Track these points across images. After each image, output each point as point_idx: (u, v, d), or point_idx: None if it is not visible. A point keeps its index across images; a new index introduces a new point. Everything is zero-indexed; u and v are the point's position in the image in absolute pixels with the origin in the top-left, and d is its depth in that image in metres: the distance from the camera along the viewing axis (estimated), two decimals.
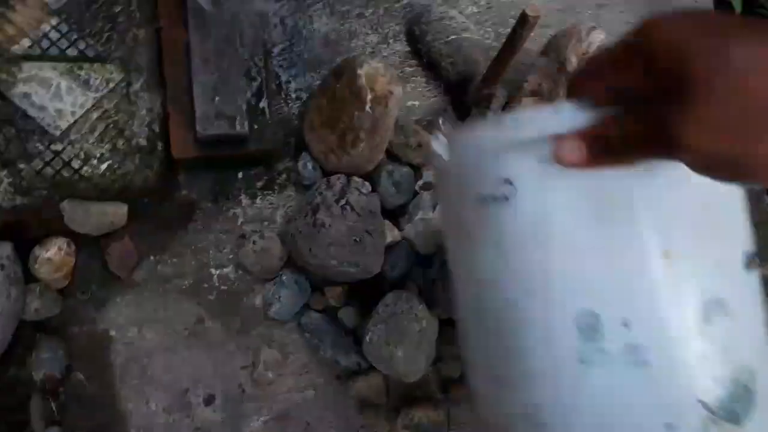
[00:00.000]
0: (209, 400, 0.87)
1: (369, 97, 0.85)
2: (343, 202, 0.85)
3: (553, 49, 0.88)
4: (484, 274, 0.44)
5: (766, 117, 0.30)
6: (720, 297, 0.39)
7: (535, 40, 0.98)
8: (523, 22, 0.79)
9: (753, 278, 0.42)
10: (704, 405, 0.38)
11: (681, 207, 0.39)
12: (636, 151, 0.35)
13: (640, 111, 0.35)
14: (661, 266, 0.38)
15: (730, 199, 0.42)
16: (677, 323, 0.39)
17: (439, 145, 0.46)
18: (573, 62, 0.84)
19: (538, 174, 0.39)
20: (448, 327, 0.90)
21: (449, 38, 0.96)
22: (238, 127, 0.83)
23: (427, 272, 0.91)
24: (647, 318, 0.39)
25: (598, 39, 0.85)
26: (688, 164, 0.33)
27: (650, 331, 0.39)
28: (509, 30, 0.95)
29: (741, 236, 0.43)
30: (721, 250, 0.41)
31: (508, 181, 0.40)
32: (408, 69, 1.00)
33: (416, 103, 0.99)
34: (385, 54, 1.00)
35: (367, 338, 0.84)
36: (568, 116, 0.37)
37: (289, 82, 0.95)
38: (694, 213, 0.40)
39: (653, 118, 0.33)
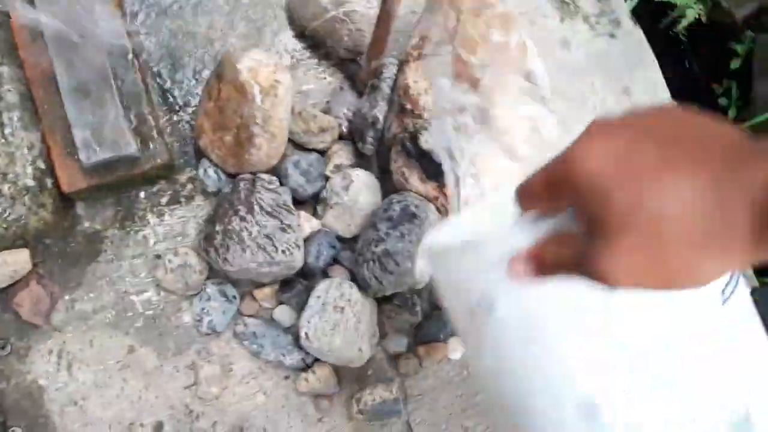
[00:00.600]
0: (158, 428, 0.85)
1: (255, 90, 0.83)
2: (250, 203, 0.83)
3: (432, 10, 0.86)
4: (489, 374, 0.48)
5: (680, 258, 0.31)
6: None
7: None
8: None
9: None
10: None
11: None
12: (572, 272, 0.36)
13: (569, 237, 0.36)
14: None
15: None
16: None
17: (424, 263, 0.52)
18: (452, 18, 0.83)
19: (511, 283, 0.42)
20: (386, 304, 0.90)
21: (329, 14, 0.94)
22: (124, 149, 0.80)
23: (353, 255, 0.90)
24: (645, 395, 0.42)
25: None
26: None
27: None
28: None
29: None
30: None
31: (487, 293, 0.43)
32: (296, 54, 0.97)
33: (311, 86, 0.96)
34: (269, 42, 0.97)
35: (303, 333, 0.83)
36: (523, 231, 0.40)
37: (172, 90, 0.91)
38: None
39: (579, 247, 0.34)
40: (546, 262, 0.37)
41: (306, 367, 0.88)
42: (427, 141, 0.81)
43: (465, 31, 0.81)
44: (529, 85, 0.85)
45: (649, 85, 1.07)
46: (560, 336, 0.43)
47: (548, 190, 0.36)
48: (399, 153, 0.87)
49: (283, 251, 0.82)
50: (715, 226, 0.30)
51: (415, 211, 0.83)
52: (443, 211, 0.87)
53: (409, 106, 0.85)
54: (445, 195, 0.86)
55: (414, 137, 0.83)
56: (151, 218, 0.88)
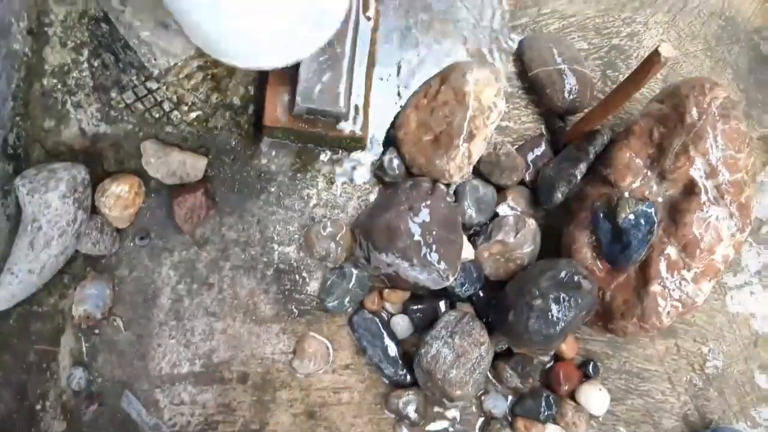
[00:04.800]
0: (242, 379, 0.82)
1: (473, 104, 0.82)
2: (425, 205, 0.81)
3: (671, 96, 0.85)
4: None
5: None
6: None
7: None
8: (653, 60, 0.76)
9: None
10: None
11: None
12: None
13: None
14: None
15: None
16: None
17: None
18: (693, 114, 0.80)
19: None
20: (502, 360, 0.85)
21: (557, 66, 0.93)
22: (335, 106, 0.80)
23: (492, 298, 0.86)
24: None
25: (720, 95, 0.82)
26: None
27: None
28: (615, 73, 0.94)
29: None
30: None
31: None
32: (509, 89, 0.97)
33: (511, 123, 0.95)
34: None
35: (422, 351, 0.79)
36: None
37: (392, 74, 0.92)
38: None
39: None
40: None
41: (402, 386, 0.84)
42: (625, 220, 0.78)
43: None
44: None
45: None
46: None
47: None
48: (582, 219, 0.84)
49: (442, 265, 0.79)
50: None
51: (581, 282, 0.79)
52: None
53: (613, 179, 0.83)
54: (612, 280, 0.82)
55: (612, 210, 0.80)
56: (321, 182, 0.88)
